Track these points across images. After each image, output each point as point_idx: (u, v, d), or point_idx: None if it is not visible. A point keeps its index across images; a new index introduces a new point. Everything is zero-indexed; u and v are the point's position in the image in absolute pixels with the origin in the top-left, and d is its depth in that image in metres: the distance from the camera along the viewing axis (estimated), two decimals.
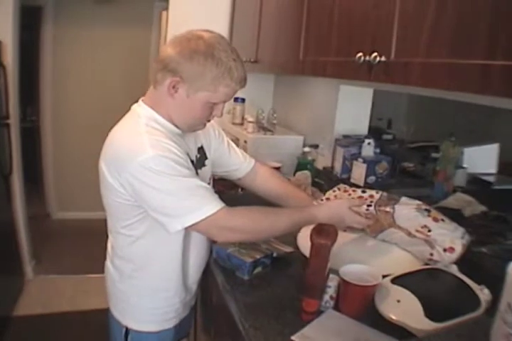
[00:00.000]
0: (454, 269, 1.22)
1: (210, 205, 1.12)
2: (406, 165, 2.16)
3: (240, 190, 2.05)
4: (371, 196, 1.37)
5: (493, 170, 2.10)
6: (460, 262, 1.26)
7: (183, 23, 2.62)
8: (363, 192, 1.40)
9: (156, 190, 1.10)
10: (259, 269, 1.33)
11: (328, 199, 1.43)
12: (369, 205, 1.33)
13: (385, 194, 1.37)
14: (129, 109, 1.28)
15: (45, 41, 3.86)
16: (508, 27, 0.82)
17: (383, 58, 1.14)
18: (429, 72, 1.00)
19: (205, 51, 1.12)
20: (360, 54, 1.20)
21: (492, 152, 2.13)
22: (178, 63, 1.13)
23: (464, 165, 1.87)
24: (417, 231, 1.27)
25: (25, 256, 3.15)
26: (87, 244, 3.55)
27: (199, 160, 1.36)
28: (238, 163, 1.53)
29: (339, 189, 1.46)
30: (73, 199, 4.24)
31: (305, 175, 2.07)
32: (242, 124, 2.64)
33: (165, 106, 1.20)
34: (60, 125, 4.10)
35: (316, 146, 2.26)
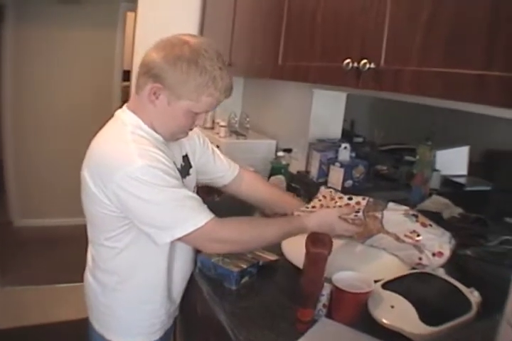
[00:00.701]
0: (441, 272, 1.23)
1: (199, 217, 1.09)
2: (379, 168, 2.18)
3: (216, 196, 2.02)
4: (358, 203, 1.37)
5: (464, 172, 2.15)
6: (446, 265, 1.28)
7: (152, 23, 2.60)
8: (350, 199, 1.40)
9: (143, 201, 1.06)
10: (246, 279, 1.30)
11: (314, 207, 1.41)
12: (357, 211, 1.32)
13: (371, 200, 1.37)
14: (112, 114, 1.23)
15: (6, 41, 3.67)
16: (505, 36, 0.83)
17: (372, 65, 1.13)
18: (423, 80, 1.01)
19: (189, 58, 1.08)
20: (348, 60, 1.19)
21: (462, 154, 2.18)
22: (160, 69, 1.09)
23: (437, 168, 1.91)
24: (406, 236, 1.28)
25: None
26: (54, 253, 3.40)
27: (184, 169, 1.32)
28: (223, 170, 1.51)
29: (325, 197, 1.45)
30: (37, 206, 4.04)
31: (279, 179, 2.05)
32: (212, 128, 2.60)
33: (147, 112, 1.16)
34: (23, 127, 3.92)
35: (289, 150, 2.25)
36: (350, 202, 1.38)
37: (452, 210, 1.67)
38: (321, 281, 1.07)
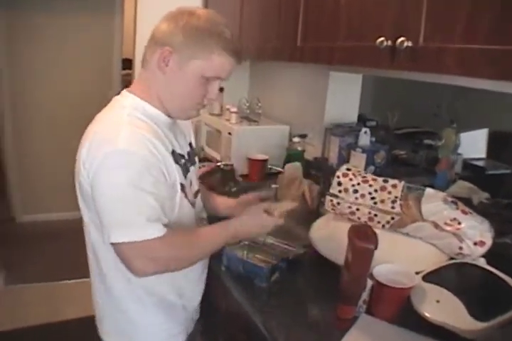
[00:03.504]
0: (482, 262, 1.17)
1: (147, 230, 0.97)
2: (397, 152, 2.11)
3: (232, 186, 1.95)
4: (394, 186, 1.29)
5: (483, 154, 2.09)
6: (486, 254, 1.22)
7: (154, 8, 2.47)
8: (385, 181, 1.32)
9: (101, 188, 0.97)
10: (276, 275, 1.24)
11: (346, 190, 1.32)
12: (394, 201, 1.25)
13: (406, 185, 1.30)
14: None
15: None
16: None
17: (409, 43, 1.05)
18: (469, 59, 0.92)
19: (198, 23, 1.04)
20: (381, 38, 1.11)
21: (482, 137, 2.11)
22: (168, 34, 1.05)
23: (459, 152, 1.84)
24: (446, 224, 1.21)
25: None
26: (58, 248, 3.32)
27: (191, 157, 1.26)
28: None
29: (354, 175, 1.36)
30: (40, 200, 3.93)
31: (295, 166, 1.98)
32: (220, 115, 2.51)
33: (155, 87, 1.09)
34: (21, 121, 3.79)
35: (303, 136, 2.17)
36: (385, 184, 1.30)
37: (480, 195, 1.61)
38: (365, 278, 1.00)
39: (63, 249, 3.19)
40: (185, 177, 1.16)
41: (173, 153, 1.10)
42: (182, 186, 1.12)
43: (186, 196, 1.15)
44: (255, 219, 1.19)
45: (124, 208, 0.97)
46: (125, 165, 0.96)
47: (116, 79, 3.89)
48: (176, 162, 1.10)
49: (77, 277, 2.69)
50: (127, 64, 3.62)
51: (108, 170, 0.96)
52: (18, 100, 3.74)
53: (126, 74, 3.78)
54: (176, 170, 1.09)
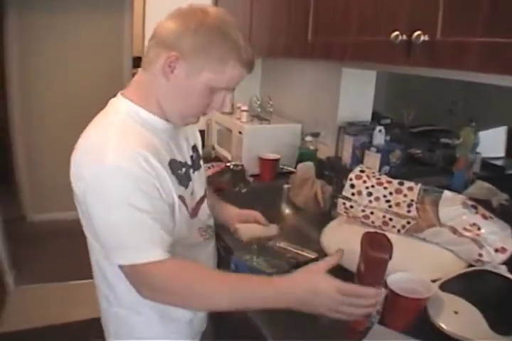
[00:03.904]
0: (504, 270, 1.10)
1: (141, 253, 0.91)
2: (413, 151, 2.04)
3: (242, 187, 1.90)
4: (410, 188, 1.23)
5: (502, 153, 2.01)
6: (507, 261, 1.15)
7: (162, 5, 2.43)
8: (401, 184, 1.25)
9: (97, 209, 0.92)
10: None
11: (360, 193, 1.25)
12: (409, 204, 1.19)
13: (423, 187, 1.24)
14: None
15: (9, 30, 3.48)
16: None
17: (426, 37, 0.99)
18: (493, 54, 0.85)
19: (210, 24, 0.93)
20: (396, 33, 1.05)
21: (500, 135, 2.03)
22: (177, 36, 0.93)
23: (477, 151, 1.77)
24: (465, 229, 1.15)
25: (3, 266, 2.87)
26: (70, 247, 3.20)
27: (195, 161, 1.19)
28: None
29: (368, 177, 1.30)
30: (51, 199, 3.90)
31: (308, 166, 1.92)
32: (231, 113, 2.46)
33: (155, 91, 1.00)
34: (32, 120, 3.78)
35: (316, 135, 2.12)
36: (401, 187, 1.24)
37: (500, 197, 1.54)
38: (379, 289, 0.94)
39: (75, 249, 3.14)
40: (187, 186, 1.09)
41: (171, 162, 1.03)
42: (181, 198, 1.05)
43: (187, 209, 1.09)
44: (328, 298, 0.89)
45: (115, 231, 0.92)
46: (116, 183, 0.89)
47: (127, 77, 3.85)
48: (173, 172, 1.03)
49: (88, 277, 2.66)
50: (137, 62, 3.59)
51: (98, 190, 0.91)
52: (27, 100, 3.72)
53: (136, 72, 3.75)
54: (171, 183, 1.00)
